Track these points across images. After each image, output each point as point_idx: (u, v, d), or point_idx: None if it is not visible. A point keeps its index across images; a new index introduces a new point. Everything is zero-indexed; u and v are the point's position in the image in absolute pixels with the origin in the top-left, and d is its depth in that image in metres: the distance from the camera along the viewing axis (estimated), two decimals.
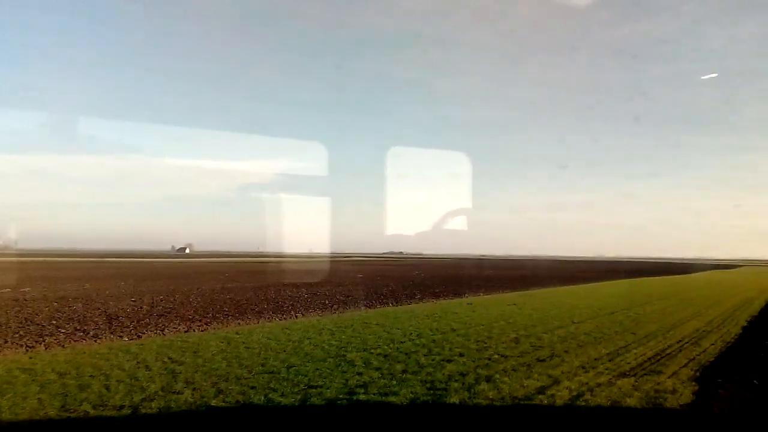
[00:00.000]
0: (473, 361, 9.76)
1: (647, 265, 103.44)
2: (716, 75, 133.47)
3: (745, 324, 15.69)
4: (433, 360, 9.82)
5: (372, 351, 10.51)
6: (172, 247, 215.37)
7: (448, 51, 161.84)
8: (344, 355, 9.99)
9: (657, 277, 50.06)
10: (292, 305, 19.81)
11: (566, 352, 10.90)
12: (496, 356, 10.27)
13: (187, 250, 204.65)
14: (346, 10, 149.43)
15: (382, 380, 8.23)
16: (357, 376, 8.44)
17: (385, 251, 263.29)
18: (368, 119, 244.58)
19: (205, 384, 7.90)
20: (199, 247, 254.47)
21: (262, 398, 7.26)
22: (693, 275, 56.66)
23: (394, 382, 8.13)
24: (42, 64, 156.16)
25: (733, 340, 12.67)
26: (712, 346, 11.81)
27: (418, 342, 11.64)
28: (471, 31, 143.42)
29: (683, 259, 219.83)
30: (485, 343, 11.66)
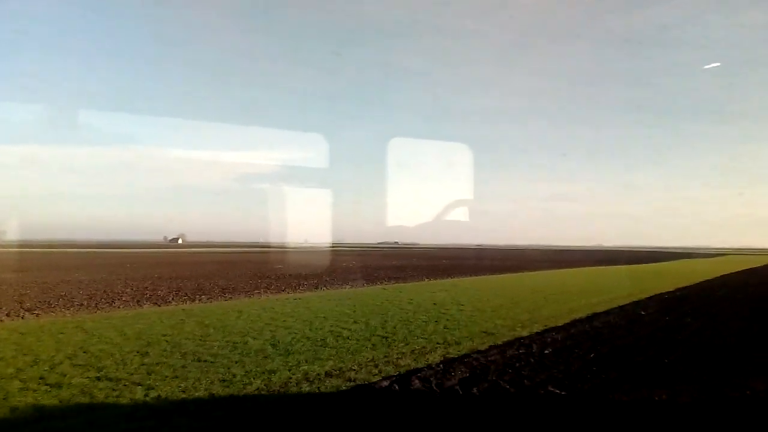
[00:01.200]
0: None
1: (635, 254, 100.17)
2: (719, 65, 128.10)
3: (551, 326, 13.32)
4: None
5: None
6: (165, 237, 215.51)
7: (448, 40, 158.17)
8: None
9: (610, 267, 47.32)
10: (75, 300, 17.59)
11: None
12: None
13: (180, 241, 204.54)
14: None
15: None
16: None
17: (381, 242, 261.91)
18: (369, 109, 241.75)
19: None
20: (197, 238, 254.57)
21: None
22: (650, 265, 53.68)
23: None
24: (39, 55, 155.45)
25: (478, 349, 10.34)
26: (433, 356, 9.57)
27: None
28: (472, 19, 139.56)
29: (683, 248, 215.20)
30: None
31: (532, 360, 9.43)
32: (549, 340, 11.39)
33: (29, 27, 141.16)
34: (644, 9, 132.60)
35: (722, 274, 37.04)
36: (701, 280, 30.14)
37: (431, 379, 8.06)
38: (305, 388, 7.66)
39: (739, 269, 45.11)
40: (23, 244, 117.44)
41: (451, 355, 9.84)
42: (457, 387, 7.72)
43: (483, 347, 10.62)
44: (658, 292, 22.27)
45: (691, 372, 8.71)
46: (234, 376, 8.18)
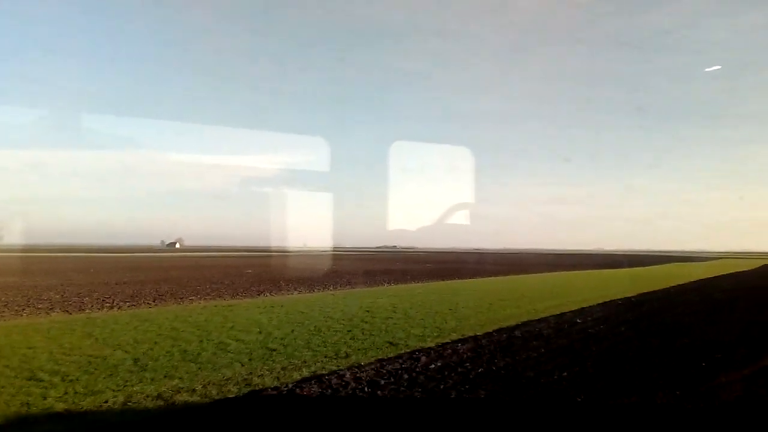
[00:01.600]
0: None
1: (633, 258, 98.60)
2: (719, 67, 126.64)
3: (468, 335, 12.28)
4: None
5: None
6: (162, 241, 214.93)
7: (450, 42, 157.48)
8: None
9: (594, 270, 46.10)
10: None
11: None
12: None
13: (177, 245, 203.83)
14: (347, 1, 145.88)
15: None
16: None
17: (381, 245, 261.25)
18: (370, 112, 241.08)
19: None
20: (198, 242, 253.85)
21: None
22: (636, 269, 52.39)
23: None
24: (42, 58, 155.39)
25: (361, 363, 9.33)
26: (301, 373, 8.57)
27: None
28: (473, 22, 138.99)
29: (684, 251, 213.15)
30: None
31: (407, 376, 8.41)
32: (449, 352, 10.36)
33: (31, 30, 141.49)
34: (644, 12, 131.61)
35: (702, 278, 35.80)
36: (675, 284, 28.97)
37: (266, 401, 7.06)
38: (115, 411, 6.69)
39: (725, 273, 43.81)
40: (23, 249, 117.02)
41: (322, 372, 8.83)
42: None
43: (368, 361, 9.62)
44: (617, 297, 21.17)
45: (576, 390, 7.67)
46: (45, 399, 7.21)
